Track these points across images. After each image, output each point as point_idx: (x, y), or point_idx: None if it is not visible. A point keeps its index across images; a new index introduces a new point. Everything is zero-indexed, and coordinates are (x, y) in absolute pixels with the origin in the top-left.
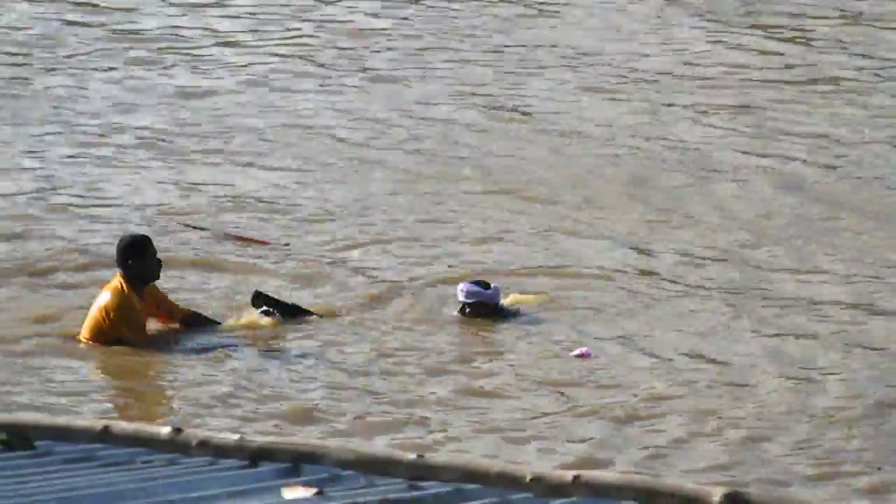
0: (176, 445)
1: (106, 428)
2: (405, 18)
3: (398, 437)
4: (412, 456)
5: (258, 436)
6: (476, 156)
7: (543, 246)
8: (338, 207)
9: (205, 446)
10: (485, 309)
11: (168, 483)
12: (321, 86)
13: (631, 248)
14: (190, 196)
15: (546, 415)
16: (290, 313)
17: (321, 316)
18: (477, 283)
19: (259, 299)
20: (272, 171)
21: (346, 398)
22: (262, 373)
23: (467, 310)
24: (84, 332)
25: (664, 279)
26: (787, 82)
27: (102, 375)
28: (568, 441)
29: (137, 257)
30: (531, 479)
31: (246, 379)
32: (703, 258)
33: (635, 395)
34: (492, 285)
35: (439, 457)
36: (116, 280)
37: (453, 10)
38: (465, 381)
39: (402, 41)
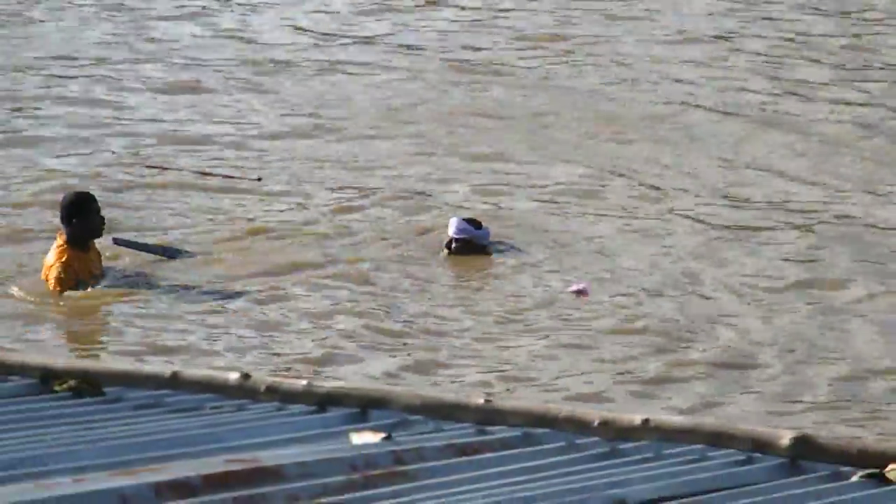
0: (244, 391)
1: (175, 374)
2: None
3: (460, 382)
4: (480, 400)
5: (326, 381)
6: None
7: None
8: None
9: (273, 392)
10: (471, 248)
11: (236, 428)
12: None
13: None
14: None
15: (595, 360)
16: (153, 253)
17: (191, 253)
18: (469, 220)
19: (118, 243)
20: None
21: (376, 343)
22: (276, 317)
23: (454, 244)
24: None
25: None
26: None
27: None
28: (622, 388)
29: (81, 215)
30: (600, 423)
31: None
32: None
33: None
34: (483, 226)
35: (507, 401)
36: (59, 240)
37: None
38: (491, 325)
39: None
